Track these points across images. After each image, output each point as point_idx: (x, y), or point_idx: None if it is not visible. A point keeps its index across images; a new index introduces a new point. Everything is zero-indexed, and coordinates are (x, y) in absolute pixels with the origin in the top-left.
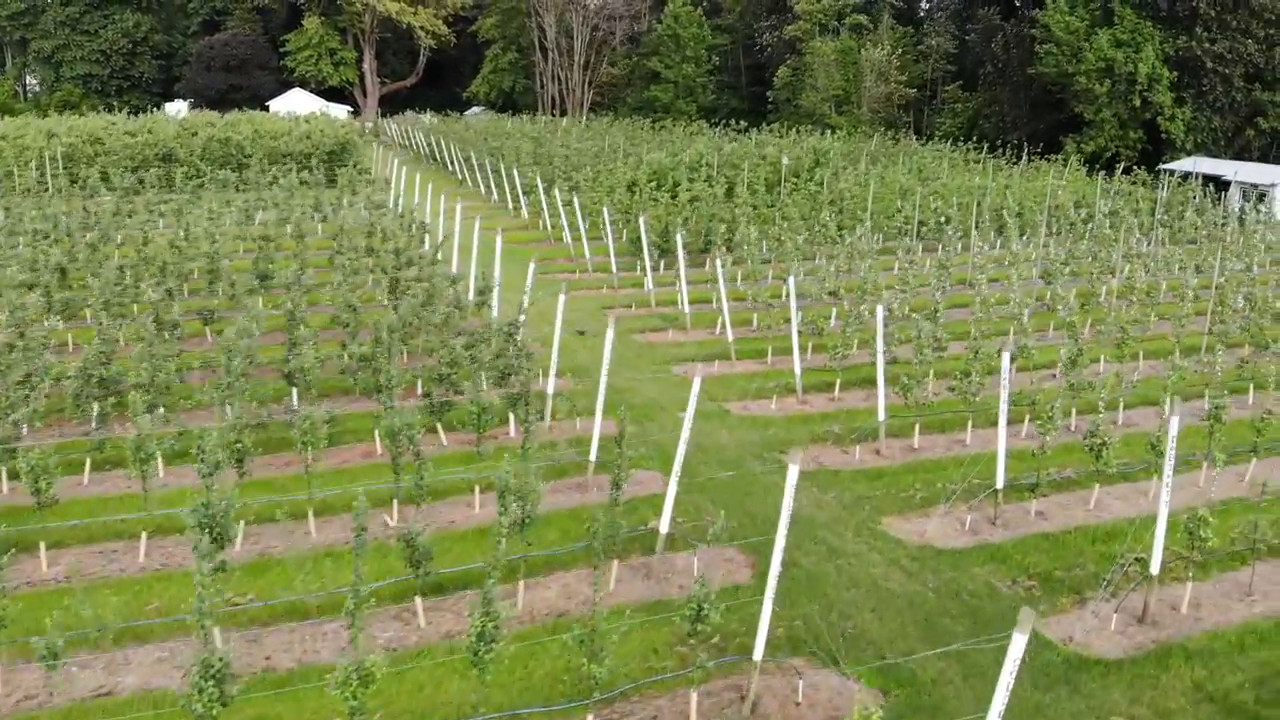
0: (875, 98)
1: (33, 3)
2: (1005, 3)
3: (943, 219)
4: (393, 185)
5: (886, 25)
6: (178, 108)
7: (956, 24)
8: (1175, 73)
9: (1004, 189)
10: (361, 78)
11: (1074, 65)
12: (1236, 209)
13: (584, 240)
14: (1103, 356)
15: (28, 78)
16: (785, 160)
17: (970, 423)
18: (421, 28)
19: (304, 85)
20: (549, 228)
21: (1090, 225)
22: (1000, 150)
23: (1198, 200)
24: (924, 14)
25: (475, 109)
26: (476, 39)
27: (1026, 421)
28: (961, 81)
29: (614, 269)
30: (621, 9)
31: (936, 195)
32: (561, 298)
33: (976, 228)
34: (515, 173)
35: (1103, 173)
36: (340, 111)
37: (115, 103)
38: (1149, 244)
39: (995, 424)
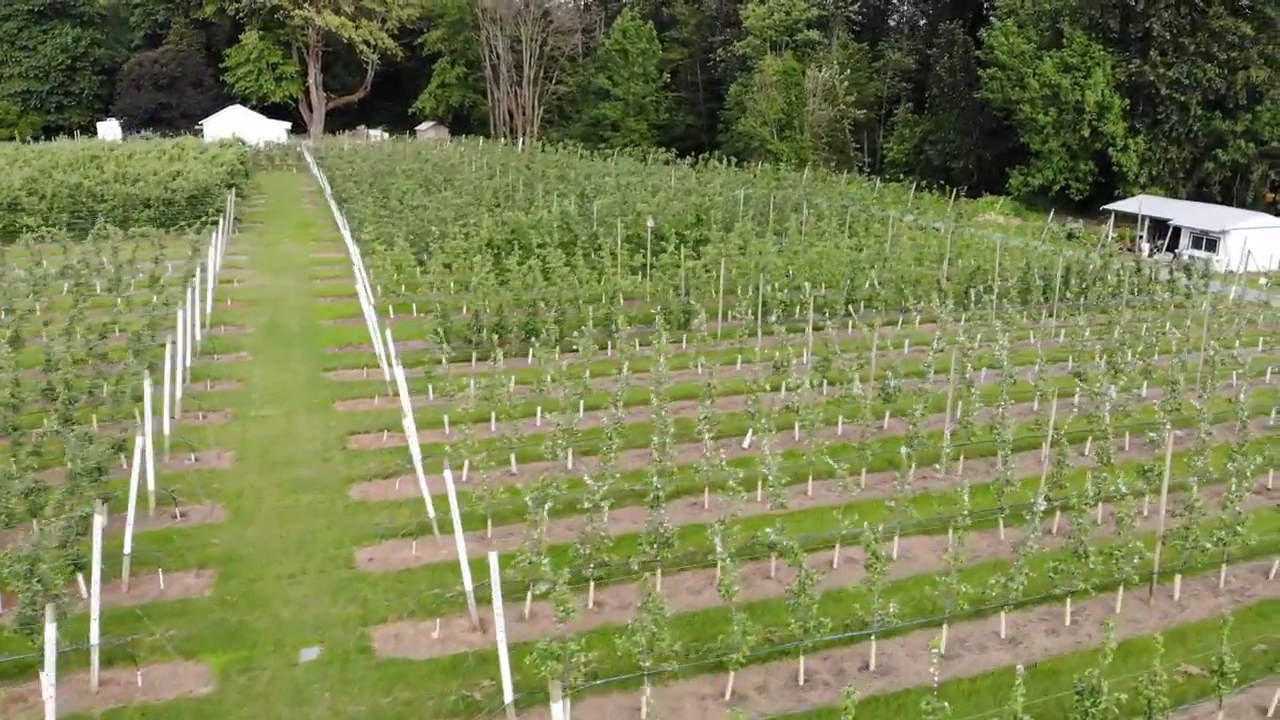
0: (819, 121)
1: None
2: (974, 16)
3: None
4: (222, 234)
5: (840, 42)
6: (110, 127)
7: (920, 38)
8: (1128, 100)
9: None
10: (307, 93)
11: (1018, 91)
12: (1167, 272)
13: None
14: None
15: None
16: (650, 223)
17: None
18: (365, 42)
19: (244, 102)
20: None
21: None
22: (942, 183)
23: (1136, 254)
24: (889, 27)
25: (426, 125)
26: (424, 53)
27: None
28: (913, 104)
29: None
30: (572, 22)
31: (810, 266)
32: None
33: (866, 304)
34: (350, 233)
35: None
36: (279, 129)
37: (54, 119)
38: (1050, 314)
39: None
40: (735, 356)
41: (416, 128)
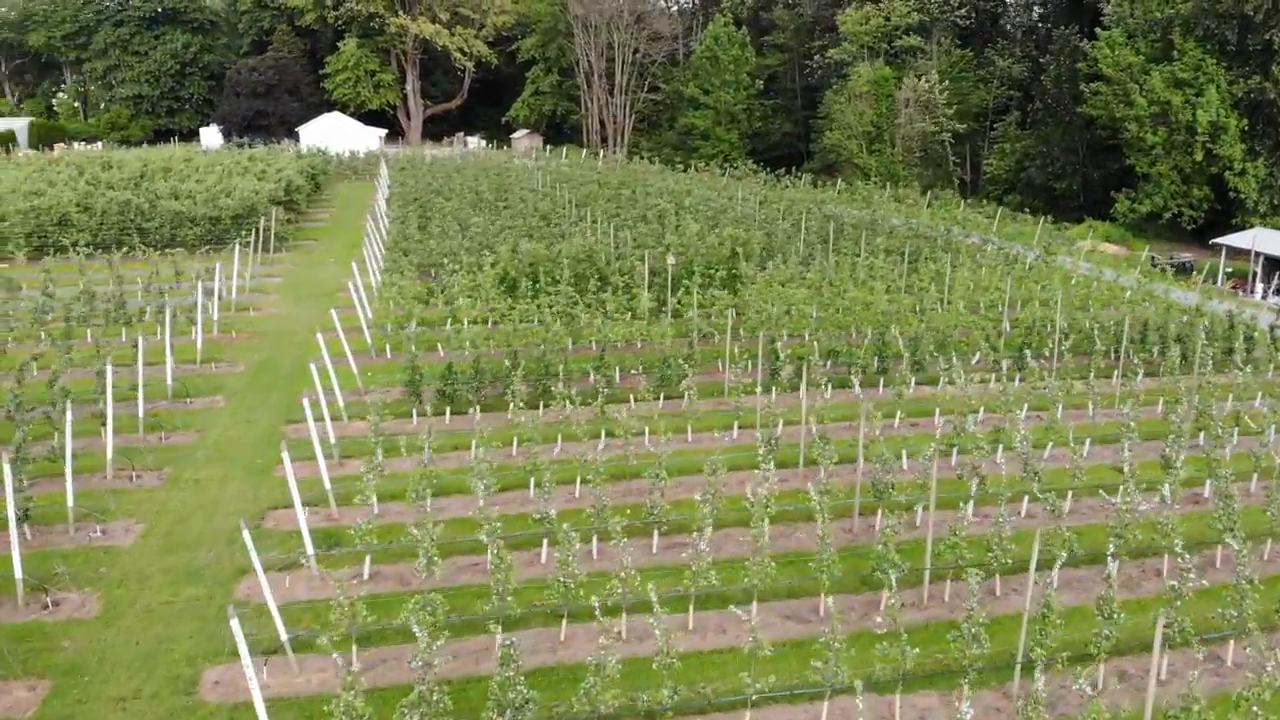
0: (912, 134)
1: (85, 23)
2: (1091, 21)
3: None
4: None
5: (943, 49)
6: (211, 133)
7: (1034, 43)
8: (1245, 119)
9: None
10: (405, 100)
11: (1124, 108)
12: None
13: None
14: None
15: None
16: (671, 259)
17: None
18: (459, 50)
19: (343, 109)
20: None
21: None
22: (1042, 205)
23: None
24: (1000, 31)
25: (521, 133)
26: (518, 60)
27: None
28: (1021, 115)
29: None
30: (665, 28)
31: (842, 313)
32: None
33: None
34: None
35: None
36: (373, 136)
37: (165, 123)
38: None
39: None
40: (731, 421)
41: (511, 136)
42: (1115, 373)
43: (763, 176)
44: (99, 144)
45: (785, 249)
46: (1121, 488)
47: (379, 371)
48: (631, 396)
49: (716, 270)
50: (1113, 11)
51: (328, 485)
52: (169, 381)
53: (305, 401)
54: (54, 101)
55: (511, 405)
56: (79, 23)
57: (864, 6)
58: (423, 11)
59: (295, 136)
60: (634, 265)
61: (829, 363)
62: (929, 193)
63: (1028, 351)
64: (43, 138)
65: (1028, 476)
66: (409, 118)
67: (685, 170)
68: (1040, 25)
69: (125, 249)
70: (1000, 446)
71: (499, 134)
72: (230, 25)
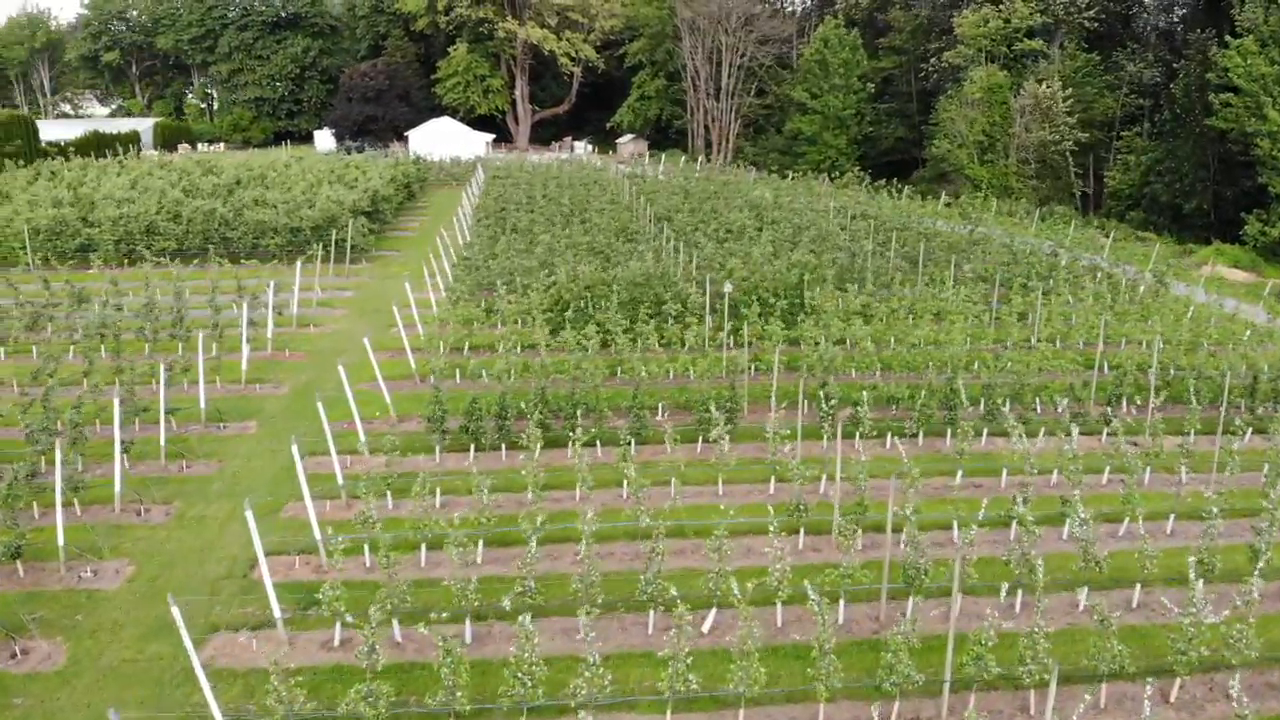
0: (1027, 144)
1: (211, 27)
2: (1229, 26)
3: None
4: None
5: (1067, 53)
6: (324, 137)
7: (1169, 48)
8: None
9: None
10: (514, 105)
11: (1256, 123)
12: None
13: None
14: None
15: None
16: (727, 288)
17: None
18: (566, 55)
19: (453, 114)
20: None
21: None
22: (1168, 223)
23: None
24: (1131, 33)
25: (627, 138)
26: (626, 64)
27: None
28: (1149, 125)
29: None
30: (774, 31)
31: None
32: None
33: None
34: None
35: None
36: (481, 141)
37: (285, 125)
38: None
39: None
40: (769, 474)
41: (617, 141)
42: (1218, 429)
43: (867, 185)
44: (220, 145)
45: (865, 272)
46: (1191, 591)
47: (414, 402)
48: (667, 440)
49: (779, 299)
50: (1245, 18)
51: (317, 534)
52: (202, 404)
53: (329, 431)
54: (182, 103)
55: (530, 446)
56: (205, 26)
57: (982, 8)
58: (532, 16)
59: (405, 141)
60: (719, 287)
61: (894, 407)
62: (1043, 207)
63: (1111, 409)
64: (167, 139)
65: (1087, 565)
66: (517, 122)
67: (787, 177)
68: (1177, 27)
69: (195, 260)
70: (1068, 519)
71: (605, 139)
72: (349, 30)
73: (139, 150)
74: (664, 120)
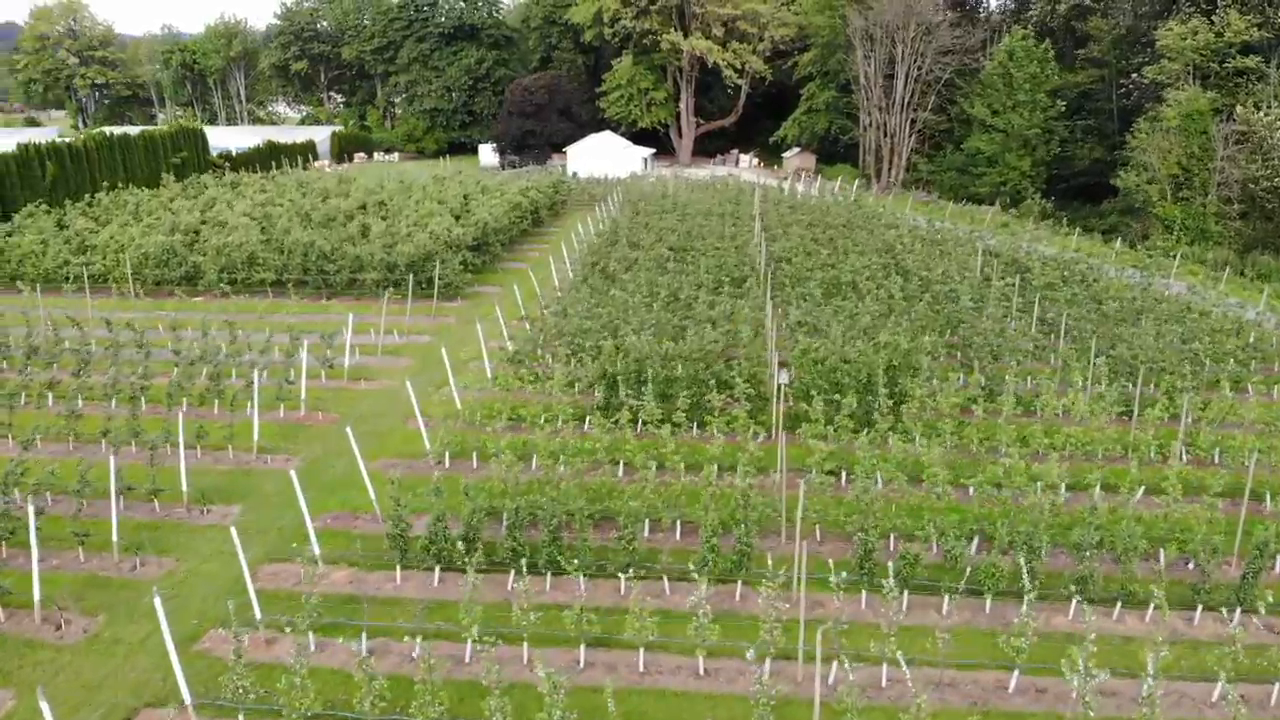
0: (1232, 181)
1: (392, 38)
2: None
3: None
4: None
5: None
6: (487, 152)
7: None
8: None
9: None
10: (677, 117)
11: None
12: None
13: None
14: None
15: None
16: (782, 378)
17: None
18: (730, 66)
19: (615, 128)
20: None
21: None
22: None
23: None
24: None
25: (793, 151)
26: (795, 76)
27: None
28: None
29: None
30: (953, 41)
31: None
32: None
33: None
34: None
35: None
36: (638, 156)
37: (457, 136)
38: None
39: None
40: (765, 654)
41: (784, 154)
42: None
43: (1047, 216)
44: (395, 155)
45: (996, 344)
46: None
47: (412, 490)
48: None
49: (855, 391)
50: None
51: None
52: (184, 484)
53: (312, 527)
54: (365, 112)
55: (473, 572)
56: (386, 37)
57: (1191, 19)
58: (698, 27)
59: (562, 154)
60: (762, 372)
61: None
62: (1247, 256)
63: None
64: (343, 148)
65: None
66: (680, 135)
67: (962, 202)
68: None
69: (297, 292)
70: None
71: (771, 152)
72: (523, 40)
73: (312, 161)
74: (833, 134)
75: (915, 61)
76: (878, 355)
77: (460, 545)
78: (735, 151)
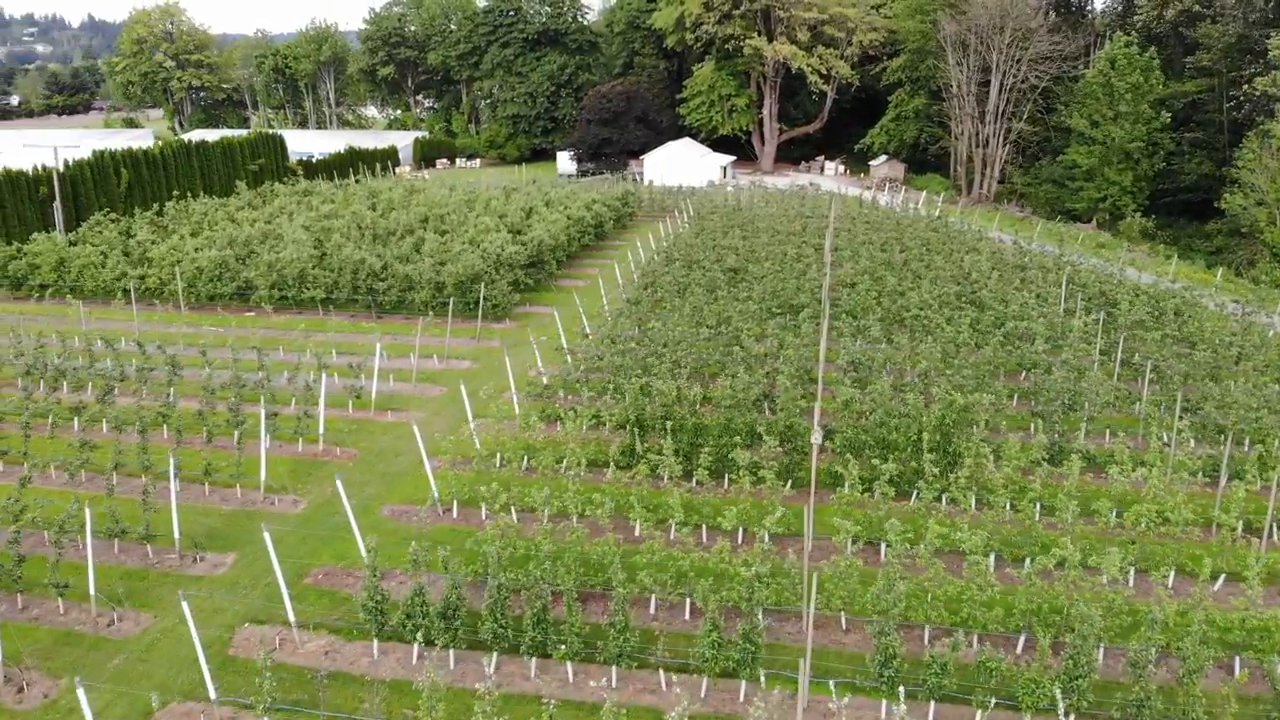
0: None
1: (477, 44)
2: None
3: None
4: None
5: None
6: (564, 159)
7: None
8: None
9: None
10: (760, 124)
11: None
12: None
13: None
14: None
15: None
16: (816, 438)
17: None
18: (815, 72)
19: (694, 135)
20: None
21: None
22: None
23: None
24: None
25: (880, 160)
26: (883, 82)
27: None
28: None
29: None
30: (1051, 48)
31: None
32: None
33: None
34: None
35: None
36: (716, 164)
37: (539, 143)
38: None
39: None
40: None
41: (871, 163)
42: None
43: (1148, 234)
44: (476, 161)
45: (1072, 394)
46: None
47: (428, 541)
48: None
49: (893, 454)
50: None
51: None
52: (175, 530)
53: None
54: (451, 118)
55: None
56: (471, 43)
57: None
58: (783, 32)
59: (639, 162)
60: (801, 422)
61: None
62: None
63: None
64: (425, 155)
65: None
66: (763, 142)
67: (1055, 216)
68: None
69: (347, 310)
70: None
71: (859, 159)
72: (607, 45)
73: (393, 167)
74: (922, 143)
75: (1010, 68)
76: (929, 411)
77: (440, 622)
78: (821, 159)
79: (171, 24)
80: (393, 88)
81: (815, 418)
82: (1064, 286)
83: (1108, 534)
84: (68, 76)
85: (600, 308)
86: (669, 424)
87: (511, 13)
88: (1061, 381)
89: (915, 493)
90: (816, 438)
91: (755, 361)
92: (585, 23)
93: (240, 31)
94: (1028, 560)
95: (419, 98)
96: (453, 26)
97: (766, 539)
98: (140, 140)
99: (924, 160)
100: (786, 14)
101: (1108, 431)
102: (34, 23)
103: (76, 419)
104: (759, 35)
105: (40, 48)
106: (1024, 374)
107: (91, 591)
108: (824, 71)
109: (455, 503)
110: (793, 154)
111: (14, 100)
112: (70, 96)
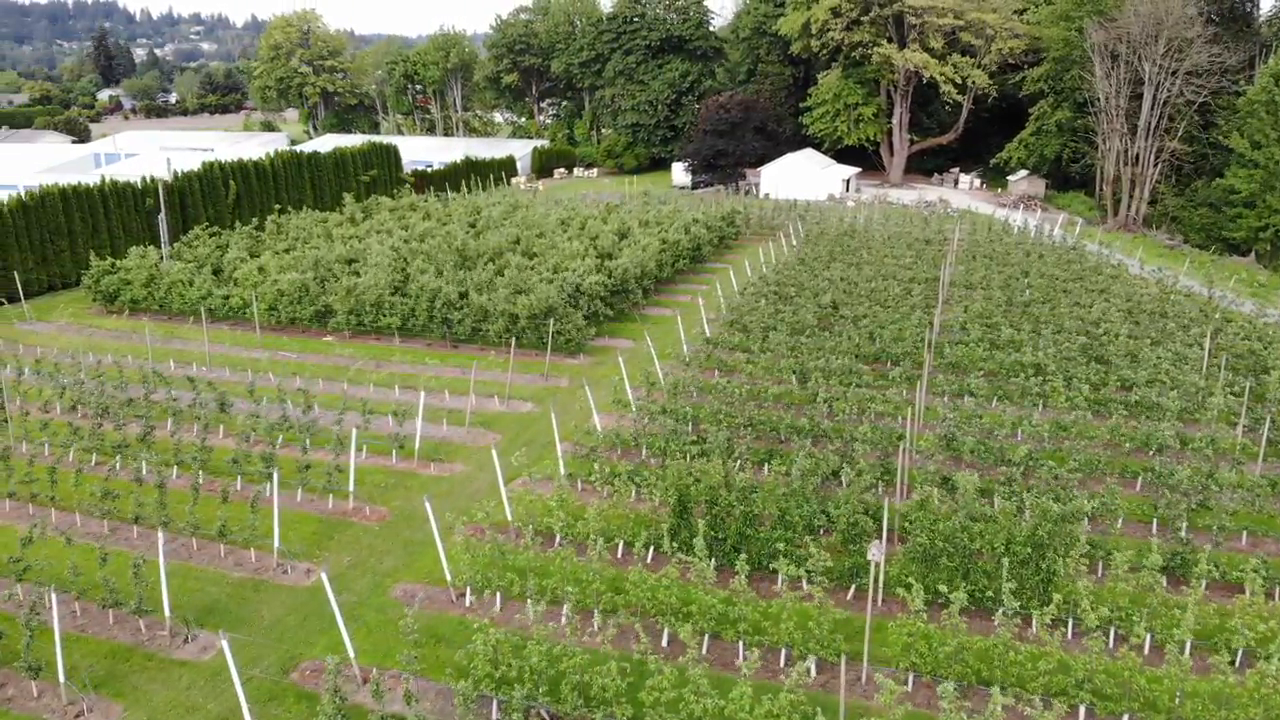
0: None
1: (600, 51)
2: None
3: None
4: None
5: None
6: (678, 171)
7: None
8: None
9: None
10: (889, 134)
11: None
12: None
13: None
14: None
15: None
16: (876, 554)
17: None
18: (949, 81)
19: (817, 145)
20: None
21: None
22: None
23: None
24: None
25: (1020, 175)
26: (1024, 92)
27: None
28: None
29: None
30: (1211, 60)
31: None
32: None
33: None
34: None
35: None
36: (836, 178)
37: (658, 152)
38: None
39: None
40: None
41: (1009, 178)
42: None
43: None
44: (594, 171)
45: (1175, 509)
46: None
47: (430, 637)
48: None
49: (972, 575)
50: None
51: None
52: (166, 607)
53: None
54: (573, 126)
55: None
56: (594, 50)
57: None
58: (915, 39)
59: (756, 173)
60: (864, 524)
61: None
62: None
63: None
64: (543, 164)
65: None
66: (892, 153)
67: (1209, 246)
68: None
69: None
70: None
71: (995, 175)
72: (731, 52)
73: (508, 178)
74: (1065, 158)
75: (1165, 81)
76: (1020, 521)
77: None
78: (956, 171)
79: (307, 29)
80: (516, 95)
81: (884, 526)
82: (1208, 343)
83: (1240, 670)
84: (221, 76)
85: (679, 345)
86: (713, 509)
87: (635, 20)
88: (1191, 478)
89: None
90: (876, 555)
91: (830, 428)
92: (710, 29)
93: (378, 32)
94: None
95: (543, 104)
96: (577, 34)
97: (811, 671)
98: (271, 144)
99: (1067, 177)
100: (919, 20)
101: (1244, 533)
102: (200, 21)
103: (119, 457)
104: (889, 42)
105: (205, 45)
106: (1152, 450)
107: (62, 680)
108: (959, 81)
109: (470, 590)
110: (925, 165)
111: (172, 98)
112: (223, 96)
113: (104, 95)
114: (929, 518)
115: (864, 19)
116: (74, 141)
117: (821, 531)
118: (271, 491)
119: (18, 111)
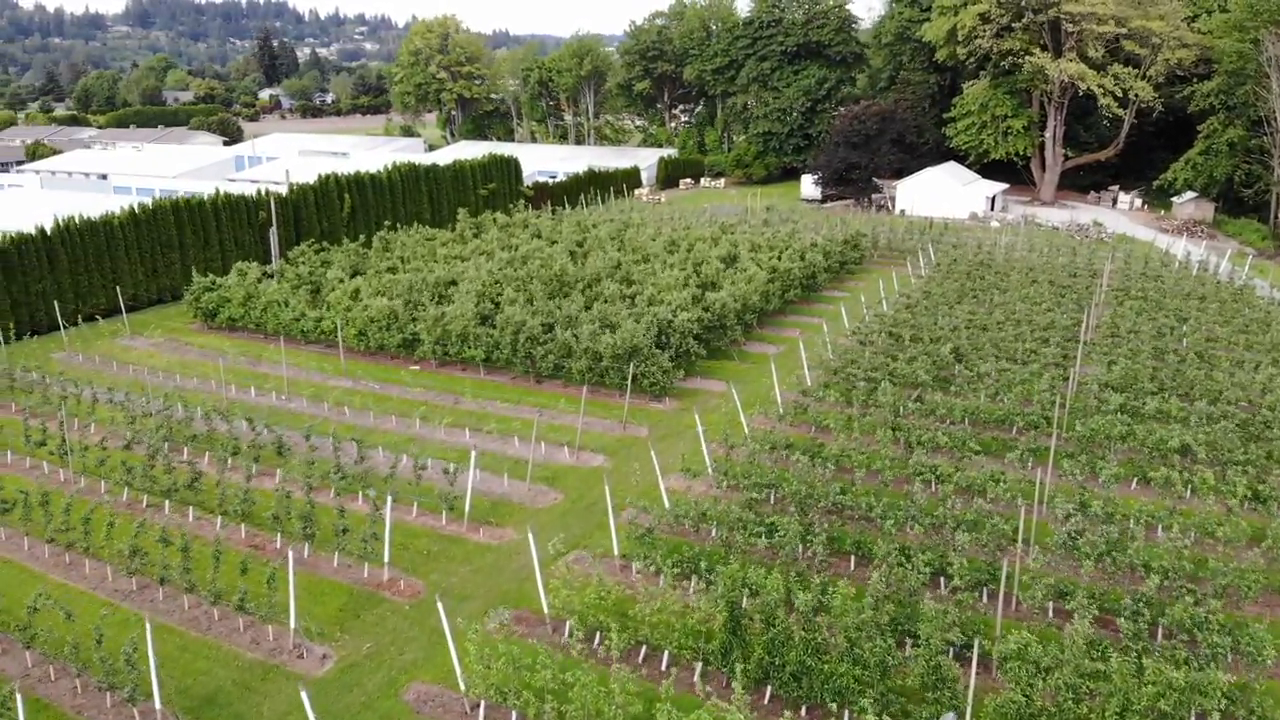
0: None
1: (734, 58)
2: None
3: None
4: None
5: None
6: (807, 183)
7: None
8: None
9: None
10: (1041, 148)
11: None
12: None
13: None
14: None
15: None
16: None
17: None
18: (1108, 93)
19: (961, 159)
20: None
21: None
22: None
23: None
24: None
25: (1187, 197)
26: (1192, 107)
27: None
28: None
29: None
30: None
31: None
32: None
33: None
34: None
35: None
36: (979, 195)
37: (790, 161)
38: None
39: None
40: None
41: (1173, 199)
42: None
43: None
44: (722, 181)
45: None
46: None
47: None
48: None
49: None
50: None
51: None
52: (156, 697)
53: None
54: (704, 135)
55: None
56: (728, 57)
57: None
58: (1072, 47)
59: (889, 186)
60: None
61: None
62: None
63: None
64: (669, 175)
65: None
66: (1043, 169)
67: None
68: None
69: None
70: None
71: (1159, 195)
72: (872, 58)
73: (630, 190)
74: (1237, 181)
75: None
76: (1140, 686)
77: None
78: (1115, 189)
79: (447, 35)
80: (648, 102)
81: (970, 695)
82: None
83: None
84: (373, 79)
85: (773, 390)
86: (770, 630)
87: (772, 24)
88: None
89: None
90: None
91: (930, 517)
92: (851, 34)
93: (533, 32)
94: None
95: (675, 111)
96: (712, 40)
97: None
98: (407, 150)
99: (1239, 201)
100: (1077, 27)
101: None
102: (364, 22)
103: (167, 501)
104: (1043, 50)
105: (369, 45)
106: None
107: None
108: (1119, 93)
109: (483, 701)
110: (1080, 181)
111: (328, 98)
112: (375, 98)
113: (265, 94)
114: (1027, 670)
115: (1015, 25)
116: (225, 142)
117: (895, 667)
118: (303, 556)
119: (180, 110)
